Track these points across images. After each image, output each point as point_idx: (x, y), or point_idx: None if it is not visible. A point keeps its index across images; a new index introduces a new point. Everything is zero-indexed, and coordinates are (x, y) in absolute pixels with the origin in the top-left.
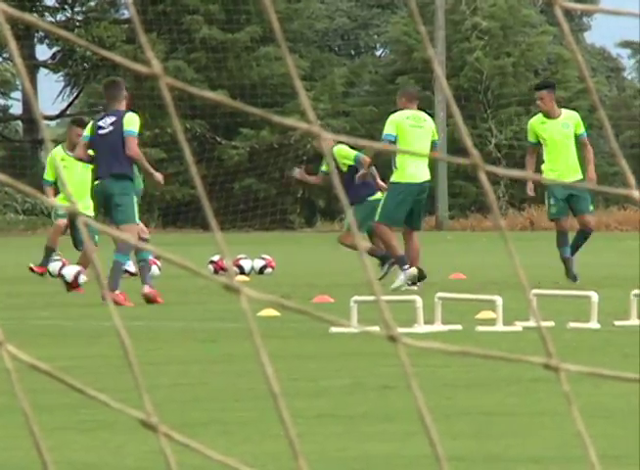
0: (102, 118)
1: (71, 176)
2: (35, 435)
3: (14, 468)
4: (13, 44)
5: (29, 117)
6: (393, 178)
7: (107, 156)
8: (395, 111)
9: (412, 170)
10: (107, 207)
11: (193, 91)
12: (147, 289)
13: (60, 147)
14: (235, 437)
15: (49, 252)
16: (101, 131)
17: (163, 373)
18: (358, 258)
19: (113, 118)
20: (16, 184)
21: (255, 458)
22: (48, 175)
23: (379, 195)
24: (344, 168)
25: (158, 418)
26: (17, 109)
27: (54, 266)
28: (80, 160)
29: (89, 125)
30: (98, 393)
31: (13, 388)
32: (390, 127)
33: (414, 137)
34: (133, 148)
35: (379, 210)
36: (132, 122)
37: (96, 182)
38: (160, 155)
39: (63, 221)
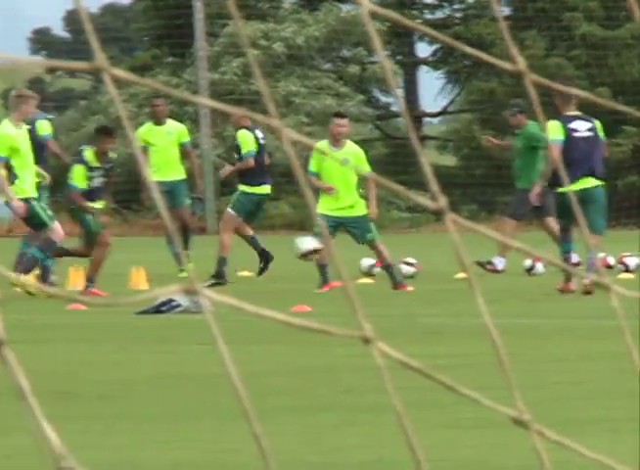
0: (572, 121)
1: (336, 170)
2: (407, 432)
3: (394, 465)
4: (378, 42)
5: (410, 115)
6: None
7: (586, 160)
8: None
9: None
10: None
11: (557, 88)
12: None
13: (325, 142)
14: (622, 435)
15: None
16: (577, 134)
17: (545, 371)
18: None
19: (588, 124)
20: (387, 183)
21: None
22: (313, 167)
23: None
24: None
25: (533, 416)
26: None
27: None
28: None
29: (558, 125)
30: (471, 391)
31: (384, 385)
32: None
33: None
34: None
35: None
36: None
37: (571, 188)
38: None
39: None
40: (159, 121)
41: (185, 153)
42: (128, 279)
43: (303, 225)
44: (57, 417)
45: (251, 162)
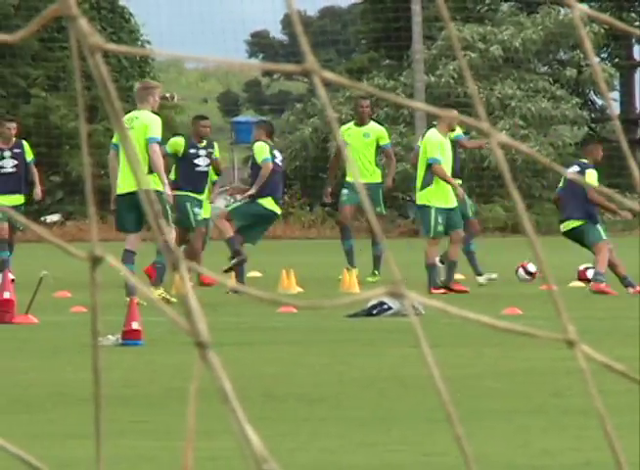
0: None
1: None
2: (609, 434)
3: (602, 468)
4: (589, 45)
5: (626, 118)
6: None
7: None
8: None
9: None
10: None
11: None
12: None
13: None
14: None
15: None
16: None
17: None
18: None
19: None
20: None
21: None
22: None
23: None
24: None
25: None
26: (614, 108)
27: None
28: None
29: None
30: None
31: (587, 388)
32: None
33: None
34: None
35: None
36: None
37: None
38: None
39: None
40: (360, 122)
41: (385, 155)
42: (341, 282)
43: (516, 228)
44: (265, 419)
45: (270, 165)
